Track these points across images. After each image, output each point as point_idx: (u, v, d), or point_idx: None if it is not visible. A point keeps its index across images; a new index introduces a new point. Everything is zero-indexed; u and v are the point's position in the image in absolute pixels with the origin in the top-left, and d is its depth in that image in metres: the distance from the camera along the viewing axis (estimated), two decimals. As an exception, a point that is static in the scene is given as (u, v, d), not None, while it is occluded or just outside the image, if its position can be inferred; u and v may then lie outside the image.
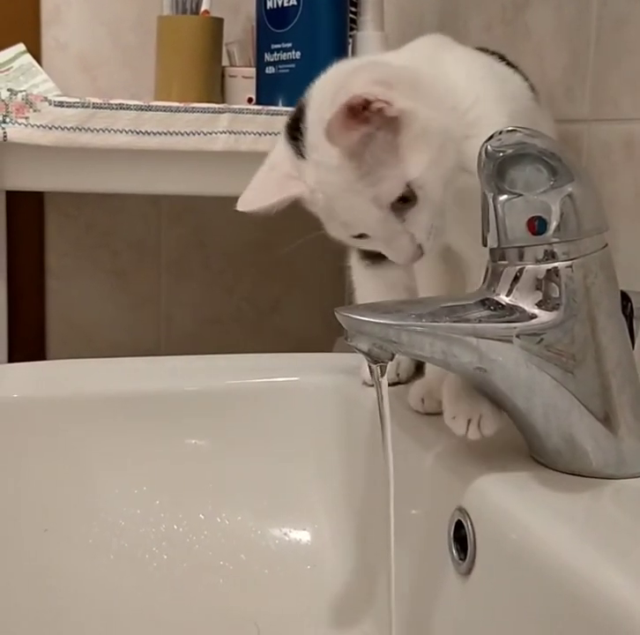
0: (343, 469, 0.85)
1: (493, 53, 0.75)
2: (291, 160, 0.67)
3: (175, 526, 0.83)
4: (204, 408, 0.87)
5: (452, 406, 0.65)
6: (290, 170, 0.67)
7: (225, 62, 1.31)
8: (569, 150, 0.59)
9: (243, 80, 1.28)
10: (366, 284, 0.87)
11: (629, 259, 0.78)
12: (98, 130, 1.04)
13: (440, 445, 0.69)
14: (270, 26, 1.16)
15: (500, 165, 0.57)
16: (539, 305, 0.58)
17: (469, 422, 0.64)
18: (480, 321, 0.58)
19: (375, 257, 0.84)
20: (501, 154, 0.56)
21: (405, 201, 0.63)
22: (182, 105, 1.07)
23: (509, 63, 0.75)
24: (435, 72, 0.66)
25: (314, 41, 1.12)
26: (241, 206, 0.68)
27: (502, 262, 0.59)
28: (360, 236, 0.67)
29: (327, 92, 0.65)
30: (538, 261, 0.58)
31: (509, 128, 0.57)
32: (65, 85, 1.33)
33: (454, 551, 0.64)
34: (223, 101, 1.27)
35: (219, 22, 1.23)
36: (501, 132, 0.56)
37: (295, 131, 0.67)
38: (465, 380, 0.64)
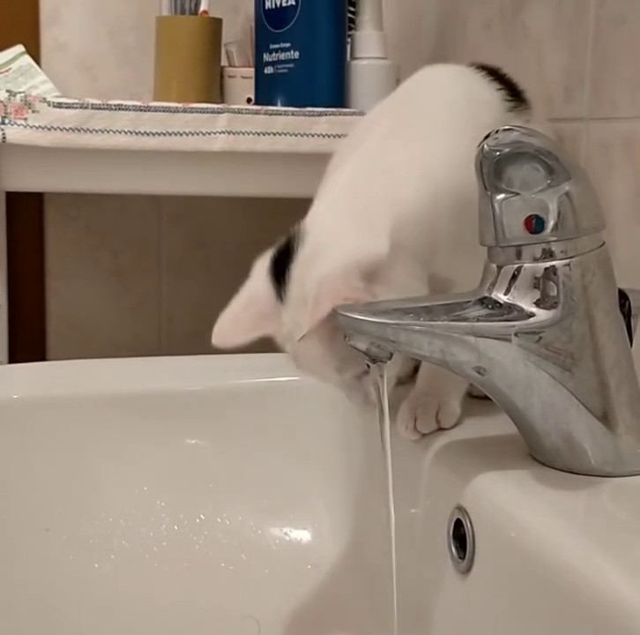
0: (343, 468, 0.85)
1: (483, 68, 0.75)
2: (270, 299, 0.65)
3: (176, 527, 0.84)
4: (204, 408, 0.87)
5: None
6: (268, 309, 0.65)
7: (224, 62, 1.31)
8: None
9: (242, 80, 1.28)
10: None
11: (627, 257, 0.78)
12: (97, 131, 1.04)
13: (439, 444, 0.69)
14: (268, 26, 1.16)
15: (497, 164, 0.57)
16: (537, 304, 0.58)
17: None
18: (478, 320, 0.58)
19: None
20: (497, 153, 0.56)
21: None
22: (180, 105, 1.07)
23: (501, 77, 0.74)
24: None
25: (312, 40, 1.12)
26: (217, 340, 0.66)
27: (500, 261, 0.59)
28: None
29: (316, 258, 0.63)
30: (535, 260, 0.58)
31: (506, 127, 0.57)
32: (64, 85, 1.34)
33: (453, 550, 0.64)
34: (222, 102, 1.27)
35: (217, 22, 1.23)
36: (497, 131, 0.57)
37: (279, 272, 0.65)
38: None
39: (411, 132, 0.68)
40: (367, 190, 0.65)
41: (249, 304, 0.67)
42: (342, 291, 0.60)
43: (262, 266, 0.67)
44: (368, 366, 0.61)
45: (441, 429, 0.71)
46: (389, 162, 0.66)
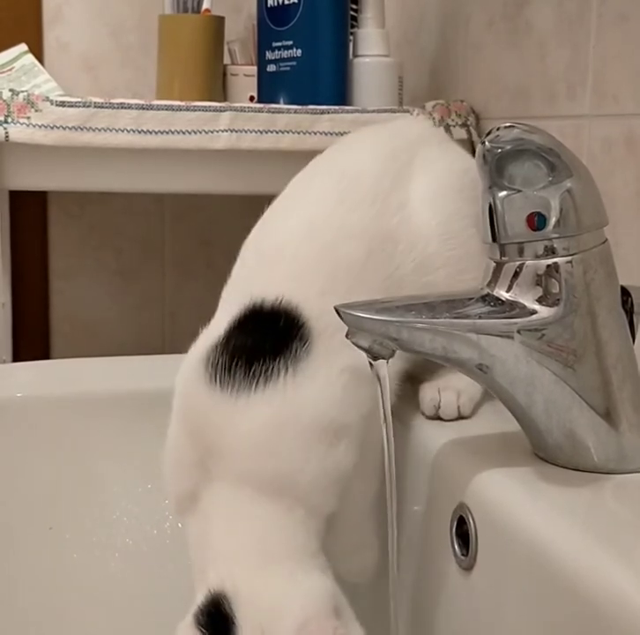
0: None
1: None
2: None
3: (180, 524, 0.84)
4: (207, 406, 0.87)
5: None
6: None
7: (226, 60, 1.31)
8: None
9: (245, 78, 1.28)
10: None
11: (630, 254, 0.78)
12: (99, 130, 1.04)
13: (442, 441, 0.69)
14: (271, 24, 1.16)
15: (498, 161, 0.57)
16: (540, 301, 0.58)
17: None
18: (480, 317, 0.58)
19: None
20: (499, 150, 0.56)
21: None
22: (183, 104, 1.07)
23: None
24: None
25: (315, 38, 1.12)
26: None
27: (502, 258, 0.59)
28: None
29: (271, 612, 0.60)
30: (538, 257, 0.58)
31: (507, 124, 0.57)
32: (67, 84, 1.34)
33: (456, 547, 0.64)
34: (225, 100, 1.27)
35: (220, 21, 1.23)
36: (499, 128, 0.56)
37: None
38: None
39: None
40: (259, 516, 0.63)
41: None
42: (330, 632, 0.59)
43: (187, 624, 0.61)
44: (371, 364, 0.61)
45: (461, 418, 0.71)
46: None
